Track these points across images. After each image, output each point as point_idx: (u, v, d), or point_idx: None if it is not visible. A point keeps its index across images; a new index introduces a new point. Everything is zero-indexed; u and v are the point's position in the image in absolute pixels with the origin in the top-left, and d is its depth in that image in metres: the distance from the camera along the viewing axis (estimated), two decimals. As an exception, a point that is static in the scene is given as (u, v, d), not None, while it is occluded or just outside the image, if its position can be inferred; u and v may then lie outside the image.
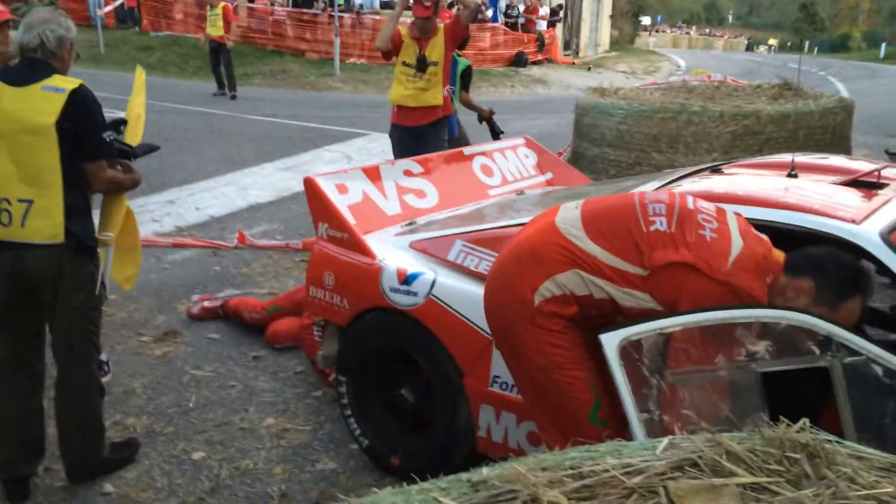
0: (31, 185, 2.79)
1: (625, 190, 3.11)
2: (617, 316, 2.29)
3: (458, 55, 6.54)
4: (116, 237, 3.23)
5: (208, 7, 14.19)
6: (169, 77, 16.86)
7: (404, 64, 5.70)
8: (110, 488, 3.15)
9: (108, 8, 18.68)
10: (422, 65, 5.62)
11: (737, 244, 2.22)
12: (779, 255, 2.30)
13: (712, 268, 2.17)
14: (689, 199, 2.35)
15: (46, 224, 2.81)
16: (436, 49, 5.66)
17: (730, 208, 2.54)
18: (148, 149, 3.44)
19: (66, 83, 2.83)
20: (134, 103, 3.46)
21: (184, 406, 3.77)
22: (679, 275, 2.19)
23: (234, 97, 14.22)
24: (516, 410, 2.85)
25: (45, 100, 2.77)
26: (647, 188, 3.05)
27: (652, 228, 2.27)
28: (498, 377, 2.88)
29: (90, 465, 3.18)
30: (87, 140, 2.85)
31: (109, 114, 3.16)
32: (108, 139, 2.93)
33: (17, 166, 2.78)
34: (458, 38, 5.87)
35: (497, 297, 2.46)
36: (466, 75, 6.40)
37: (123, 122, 3.36)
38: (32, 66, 2.86)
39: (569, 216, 2.41)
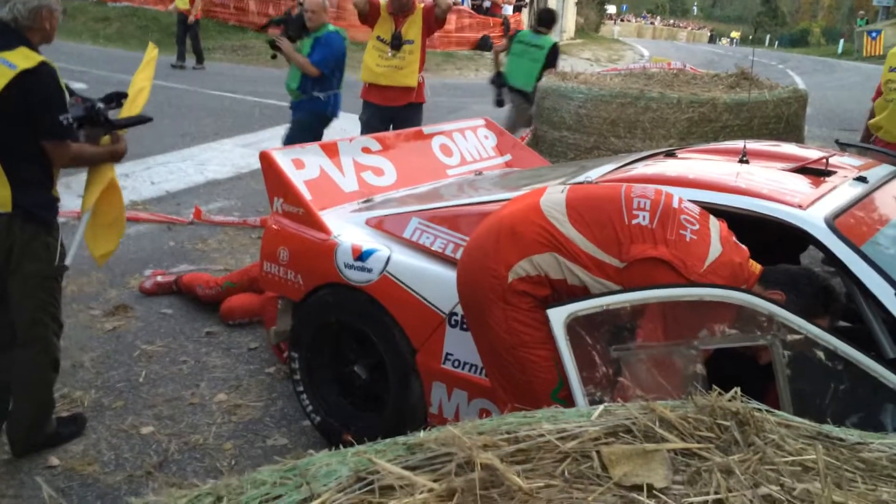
0: None
1: (582, 172, 3.14)
2: None
3: (545, 34, 6.71)
4: (99, 211, 3.29)
5: None
6: (128, 49, 16.46)
7: (378, 39, 5.60)
8: (56, 461, 3.10)
9: (65, -24, 18.17)
10: (397, 42, 5.53)
11: (715, 249, 2.25)
12: (755, 266, 2.34)
13: (687, 267, 2.19)
14: (675, 199, 2.37)
15: None
16: (413, 28, 5.57)
17: (681, 192, 2.58)
18: (136, 121, 3.43)
19: (23, 60, 2.78)
20: (138, 78, 3.52)
21: (133, 381, 3.73)
22: (654, 270, 2.22)
23: (201, 68, 14.55)
24: (468, 388, 2.87)
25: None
26: (603, 170, 3.08)
27: (634, 222, 2.29)
28: (451, 354, 2.90)
29: (35, 438, 3.14)
30: (38, 120, 2.83)
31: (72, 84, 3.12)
32: (63, 121, 2.88)
33: None
34: (433, 29, 5.80)
35: (471, 271, 2.46)
36: (554, 53, 6.44)
37: (123, 95, 3.38)
38: (1, 35, 2.82)
39: (554, 199, 2.42)
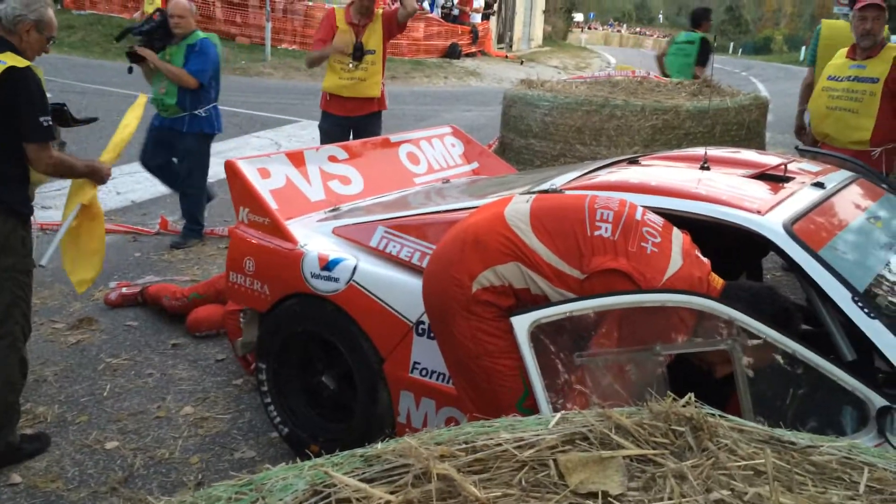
0: None
1: (546, 180, 3.16)
2: None
3: (694, 30, 6.86)
4: (80, 239, 3.54)
5: None
6: (92, 57, 16.30)
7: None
8: (18, 479, 3.05)
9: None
10: (359, 54, 5.37)
11: (675, 263, 2.27)
12: (717, 281, 2.37)
13: (646, 280, 2.21)
14: (639, 211, 2.39)
15: None
16: (373, 37, 5.44)
17: (643, 198, 2.61)
18: (88, 119, 3.83)
19: (11, 59, 2.91)
20: (128, 117, 3.90)
21: (98, 395, 3.67)
22: (613, 282, 2.24)
23: None
24: (436, 396, 2.87)
25: None
26: (567, 178, 3.11)
27: (596, 233, 2.30)
28: (418, 363, 2.90)
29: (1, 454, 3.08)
30: (22, 120, 2.93)
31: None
32: (43, 123, 2.97)
33: None
34: (394, 34, 5.71)
35: (436, 281, 2.46)
36: (704, 48, 6.53)
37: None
38: None
39: (518, 209, 2.43)
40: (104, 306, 4.62)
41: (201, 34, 5.52)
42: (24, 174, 3.08)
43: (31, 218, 3.17)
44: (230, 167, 3.46)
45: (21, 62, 2.95)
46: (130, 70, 5.47)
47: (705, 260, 2.40)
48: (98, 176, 3.45)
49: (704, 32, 8.06)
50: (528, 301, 2.32)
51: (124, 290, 4.71)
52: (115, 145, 3.76)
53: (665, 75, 7.83)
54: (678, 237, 2.37)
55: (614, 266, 2.24)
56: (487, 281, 2.31)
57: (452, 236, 2.52)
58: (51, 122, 3.04)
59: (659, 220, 2.41)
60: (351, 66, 5.41)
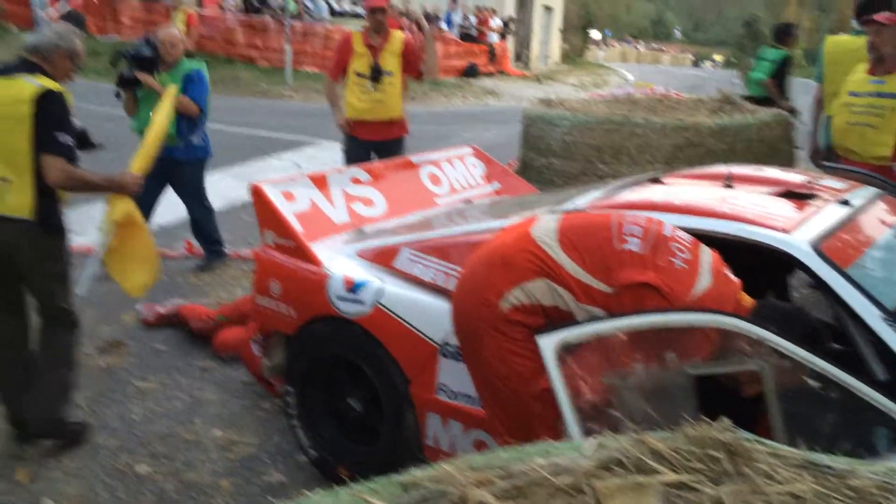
0: (8, 166, 3.15)
1: (568, 199, 3.17)
2: None
3: (778, 46, 6.84)
4: (124, 251, 3.70)
5: (172, 11, 14.88)
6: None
7: (357, 74, 5.47)
8: (49, 503, 3.08)
9: (53, 13, 18.25)
10: (376, 74, 5.41)
11: (704, 280, 2.27)
12: (746, 300, 2.36)
13: (674, 294, 2.21)
14: (667, 227, 2.39)
15: (21, 201, 3.17)
16: (390, 59, 5.46)
17: (667, 217, 2.62)
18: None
19: (45, 82, 3.17)
20: (157, 117, 4.05)
21: (128, 418, 3.71)
22: (642, 296, 2.24)
23: None
24: (463, 419, 2.88)
25: (24, 90, 3.12)
26: (590, 197, 3.12)
27: (624, 247, 2.31)
28: (444, 385, 2.91)
29: (51, 423, 3.36)
30: (44, 135, 3.14)
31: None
32: (61, 139, 3.17)
33: None
34: (410, 73, 5.62)
35: (464, 301, 2.47)
36: (783, 63, 6.58)
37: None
38: (24, 62, 3.26)
39: (545, 226, 2.45)
40: (132, 330, 4.68)
41: (194, 62, 5.57)
42: (56, 190, 3.29)
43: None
44: (255, 191, 3.50)
45: (55, 86, 3.19)
46: (118, 95, 5.38)
47: (735, 279, 2.40)
48: (124, 188, 3.58)
49: (787, 48, 7.90)
50: (557, 319, 2.32)
51: (160, 309, 4.77)
52: (145, 151, 3.84)
53: (749, 96, 7.59)
54: (707, 254, 2.37)
55: (643, 279, 2.24)
56: (516, 299, 2.31)
57: (479, 257, 2.53)
58: (72, 143, 3.22)
59: (687, 237, 2.41)
60: (369, 87, 5.44)
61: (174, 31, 5.44)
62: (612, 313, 2.25)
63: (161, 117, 3.98)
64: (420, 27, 5.41)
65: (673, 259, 2.29)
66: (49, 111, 3.15)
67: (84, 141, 4.05)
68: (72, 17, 19.43)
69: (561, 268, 2.31)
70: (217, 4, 19.81)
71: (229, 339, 4.40)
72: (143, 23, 19.22)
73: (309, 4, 20.02)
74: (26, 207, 3.17)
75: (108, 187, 3.58)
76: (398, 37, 5.56)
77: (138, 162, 3.77)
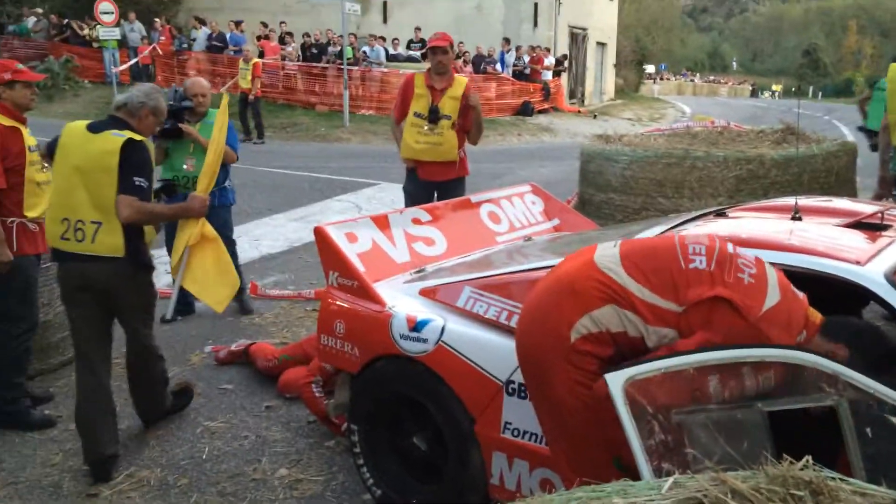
0: (100, 210, 3.51)
1: (631, 235, 3.15)
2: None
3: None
4: (201, 263, 4.03)
5: (241, 61, 15.86)
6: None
7: (416, 115, 5.47)
8: (123, 541, 3.14)
9: (123, 66, 19.12)
10: (434, 116, 5.39)
11: (773, 295, 2.24)
12: (816, 315, 2.31)
13: (746, 308, 2.18)
14: (729, 245, 2.38)
15: (111, 241, 3.53)
16: (450, 103, 5.41)
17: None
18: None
19: (129, 134, 3.55)
20: (214, 138, 4.16)
21: (197, 457, 3.78)
22: (714, 311, 2.21)
23: (262, 143, 16.13)
24: (529, 457, 2.85)
25: (113, 144, 3.49)
26: (653, 232, 3.09)
27: (691, 266, 2.29)
28: (510, 423, 2.89)
29: (158, 413, 4.08)
30: (123, 178, 3.49)
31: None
32: (137, 182, 3.53)
33: (90, 195, 3.51)
34: (466, 121, 5.50)
35: (531, 334, 2.45)
36: None
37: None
38: (113, 119, 3.66)
39: (607, 253, 2.44)
40: (199, 370, 4.78)
41: (213, 112, 5.41)
42: (141, 230, 3.66)
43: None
44: (319, 233, 3.57)
45: (138, 137, 3.58)
46: (166, 147, 5.29)
47: (801, 294, 2.34)
48: (192, 211, 3.94)
49: None
50: (626, 346, 2.29)
51: (233, 347, 4.89)
52: (206, 171, 4.07)
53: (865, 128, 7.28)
54: (772, 271, 2.33)
55: (713, 294, 2.21)
56: (585, 328, 2.29)
57: (544, 288, 2.51)
58: (146, 185, 3.57)
59: (751, 254, 2.38)
60: (426, 128, 5.43)
61: (204, 81, 5.57)
62: (683, 339, 2.22)
63: (218, 135, 4.14)
64: (468, 100, 5.32)
65: (741, 275, 2.25)
66: (130, 158, 3.51)
67: (171, 189, 4.43)
68: (139, 71, 20.35)
69: (628, 291, 2.29)
70: (277, 53, 20.42)
71: (291, 379, 4.46)
72: (209, 73, 19.95)
73: (366, 49, 20.49)
74: (118, 247, 3.53)
75: (177, 215, 3.99)
76: (461, 82, 5.52)
77: (202, 184, 4.04)
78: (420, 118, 5.46)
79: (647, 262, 2.35)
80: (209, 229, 4.05)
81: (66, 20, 22.72)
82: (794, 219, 3.02)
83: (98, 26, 17.37)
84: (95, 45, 20.29)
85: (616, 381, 2.15)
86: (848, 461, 1.99)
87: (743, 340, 2.15)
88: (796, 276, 2.51)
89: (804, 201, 3.36)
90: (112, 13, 16.76)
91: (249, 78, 15.42)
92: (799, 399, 2.08)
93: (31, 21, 23.06)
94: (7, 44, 22.15)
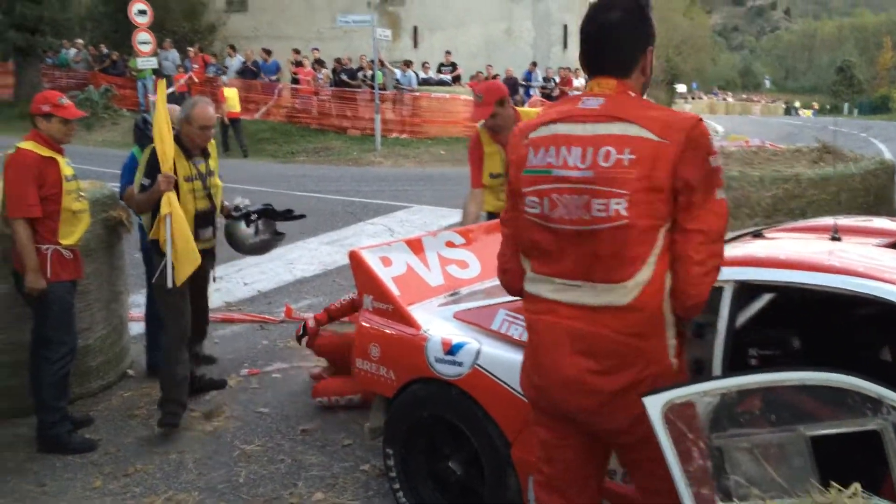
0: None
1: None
2: None
3: None
4: (179, 231, 4.16)
5: (278, 87, 17.24)
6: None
7: (492, 176, 4.70)
8: (162, 564, 3.17)
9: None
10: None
11: None
12: None
13: None
14: None
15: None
16: None
17: (773, 273, 2.55)
18: (296, 215, 5.16)
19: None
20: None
21: (234, 481, 3.81)
22: None
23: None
24: (565, 481, 2.82)
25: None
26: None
27: None
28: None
29: None
30: None
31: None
32: (140, 181, 4.22)
33: None
34: None
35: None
36: None
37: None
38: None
39: None
40: (236, 394, 4.82)
41: None
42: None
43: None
44: (354, 257, 3.60)
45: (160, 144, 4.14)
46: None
47: None
48: (161, 189, 4.11)
49: None
50: None
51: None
52: (160, 152, 4.15)
53: None
54: None
55: None
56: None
57: None
58: (145, 183, 4.17)
59: None
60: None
61: (211, 110, 4.43)
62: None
63: (160, 117, 4.19)
64: None
65: None
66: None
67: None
68: (176, 99, 20.74)
69: None
70: (310, 78, 20.72)
71: (330, 387, 4.51)
72: (242, 101, 20.30)
73: (397, 72, 20.70)
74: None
75: (152, 196, 4.15)
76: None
77: (164, 163, 4.14)
78: (496, 178, 4.69)
79: None
80: (176, 204, 4.15)
81: (105, 50, 23.34)
82: (832, 239, 2.97)
83: (135, 56, 17.80)
84: (133, 73, 20.76)
85: (654, 404, 2.12)
86: (894, 485, 1.95)
87: None
88: (836, 299, 2.48)
89: (843, 221, 3.31)
90: (150, 43, 17.15)
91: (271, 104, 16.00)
92: (842, 423, 2.04)
93: (71, 52, 23.72)
94: (48, 74, 22.79)
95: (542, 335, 2.19)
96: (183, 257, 4.15)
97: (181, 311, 4.33)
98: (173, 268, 4.14)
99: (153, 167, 4.15)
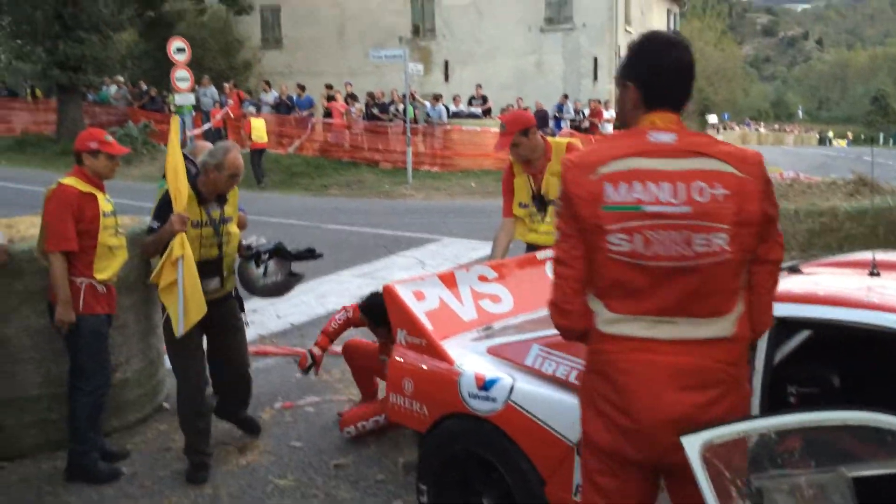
0: None
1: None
2: None
3: None
4: (190, 278, 4.01)
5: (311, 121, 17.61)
6: (251, 190, 17.67)
7: (521, 205, 4.63)
8: None
9: (197, 130, 19.91)
10: (539, 204, 4.53)
11: None
12: None
13: None
14: None
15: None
16: (553, 185, 4.36)
17: (810, 309, 2.52)
18: (310, 255, 4.70)
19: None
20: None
21: (267, 515, 3.81)
22: None
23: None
24: (600, 520, 2.78)
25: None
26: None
27: None
28: (581, 485, 2.83)
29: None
30: None
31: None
32: (150, 224, 4.13)
33: None
34: None
35: None
36: None
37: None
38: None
39: None
40: (270, 427, 4.85)
41: None
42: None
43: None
44: (388, 292, 3.62)
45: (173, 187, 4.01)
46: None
47: None
48: (174, 230, 3.94)
49: None
50: None
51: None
52: (172, 189, 4.02)
53: None
54: None
55: None
56: None
57: None
58: (155, 226, 4.05)
59: None
60: (538, 217, 4.57)
61: (240, 158, 4.26)
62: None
63: (174, 154, 4.12)
64: None
65: None
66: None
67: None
68: (212, 135, 21.17)
69: None
70: (343, 111, 21.01)
71: (354, 415, 4.54)
72: (276, 135, 20.65)
73: (427, 104, 20.92)
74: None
75: (163, 237, 4.00)
76: (559, 150, 4.50)
77: (177, 204, 3.99)
78: (525, 208, 4.61)
79: None
80: (188, 248, 4.00)
81: (145, 87, 23.94)
82: (871, 274, 2.93)
83: (173, 93, 18.23)
84: (171, 110, 21.22)
85: (693, 444, 2.10)
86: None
87: None
88: (876, 336, 2.44)
89: (882, 256, 3.26)
90: (188, 80, 17.59)
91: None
92: (884, 463, 2.00)
93: (112, 89, 24.36)
94: (89, 110, 23.40)
95: (635, 375, 2.11)
96: (191, 304, 4.00)
97: (192, 361, 4.23)
98: (180, 314, 3.99)
99: (164, 208, 4.02)
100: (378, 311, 4.23)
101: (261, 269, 4.56)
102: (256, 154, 18.17)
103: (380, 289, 3.84)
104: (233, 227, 4.35)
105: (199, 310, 4.02)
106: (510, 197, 4.70)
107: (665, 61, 2.14)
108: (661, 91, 2.15)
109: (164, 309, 4.10)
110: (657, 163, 2.06)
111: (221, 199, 4.26)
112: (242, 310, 4.75)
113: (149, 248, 4.19)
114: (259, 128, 18.14)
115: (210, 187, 4.16)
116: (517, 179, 4.65)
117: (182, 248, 3.95)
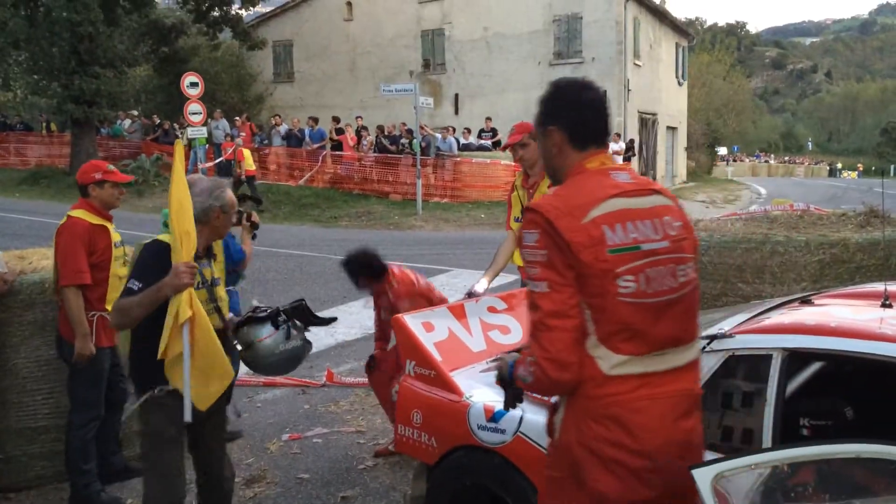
0: None
1: (713, 322, 3.09)
2: None
3: None
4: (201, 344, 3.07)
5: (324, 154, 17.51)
6: (262, 223, 17.77)
7: (515, 220, 4.73)
8: None
9: (209, 164, 20.10)
10: None
11: None
12: None
13: None
14: None
15: None
16: None
17: (822, 341, 2.50)
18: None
19: (163, 238, 3.11)
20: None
21: (274, 549, 3.77)
22: None
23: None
24: (612, 554, 2.74)
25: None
26: (737, 320, 3.02)
27: None
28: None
29: None
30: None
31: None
32: (128, 285, 3.02)
33: None
34: None
35: None
36: None
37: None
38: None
39: None
40: (277, 459, 4.82)
41: None
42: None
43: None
44: (397, 322, 3.62)
45: (160, 238, 3.13)
46: (254, 237, 5.21)
47: None
48: (179, 283, 2.94)
49: None
50: None
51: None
52: (181, 235, 3.01)
53: None
54: None
55: None
56: None
57: None
58: (135, 287, 2.97)
59: None
60: None
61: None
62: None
63: (178, 180, 3.07)
64: None
65: None
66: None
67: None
68: (224, 167, 21.36)
69: None
70: (353, 144, 21.18)
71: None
72: (287, 167, 20.83)
73: (437, 136, 21.06)
74: None
75: (160, 295, 2.95)
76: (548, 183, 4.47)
77: (185, 250, 3.00)
78: (519, 222, 4.59)
79: None
80: (199, 308, 3.05)
81: (158, 121, 24.24)
82: (883, 306, 2.91)
83: (187, 127, 18.43)
84: (178, 135, 21.43)
85: (704, 477, 2.08)
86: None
87: None
88: (888, 367, 2.41)
89: (893, 287, 3.24)
90: (200, 114, 17.79)
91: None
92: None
93: (126, 123, 24.68)
94: (102, 144, 23.69)
95: (646, 412, 2.07)
96: (210, 372, 3.10)
97: (173, 469, 3.16)
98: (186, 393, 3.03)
99: (149, 264, 3.05)
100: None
101: (279, 334, 3.53)
102: (250, 180, 18.57)
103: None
104: (222, 292, 3.40)
105: (222, 377, 3.16)
106: (510, 209, 4.91)
107: (584, 99, 2.21)
108: (586, 128, 2.20)
109: (144, 381, 3.13)
110: (634, 202, 2.13)
111: (210, 255, 3.34)
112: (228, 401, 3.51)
113: (132, 312, 2.99)
114: (249, 156, 18.75)
115: (213, 236, 3.32)
116: (514, 194, 4.83)
117: (191, 308, 2.96)
